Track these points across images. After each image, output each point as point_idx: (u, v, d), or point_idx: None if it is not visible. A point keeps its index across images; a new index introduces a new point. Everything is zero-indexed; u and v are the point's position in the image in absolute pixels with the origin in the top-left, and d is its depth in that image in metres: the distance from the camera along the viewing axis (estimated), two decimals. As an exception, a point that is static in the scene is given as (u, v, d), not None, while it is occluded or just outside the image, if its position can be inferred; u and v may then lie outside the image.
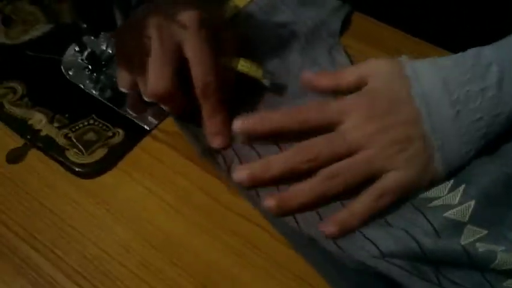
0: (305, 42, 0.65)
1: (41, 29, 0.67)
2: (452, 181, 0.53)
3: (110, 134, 0.57)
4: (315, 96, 0.59)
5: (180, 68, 0.54)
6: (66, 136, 0.57)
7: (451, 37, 0.64)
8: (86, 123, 0.58)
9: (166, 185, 0.54)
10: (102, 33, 0.62)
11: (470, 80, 0.52)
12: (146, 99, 0.56)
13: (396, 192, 0.51)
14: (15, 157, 0.56)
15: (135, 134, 0.58)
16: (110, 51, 0.63)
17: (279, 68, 0.63)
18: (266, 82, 0.59)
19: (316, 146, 0.53)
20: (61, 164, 0.56)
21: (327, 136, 0.53)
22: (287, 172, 0.52)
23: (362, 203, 0.51)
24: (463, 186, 0.52)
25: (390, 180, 0.52)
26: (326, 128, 0.54)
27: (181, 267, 0.49)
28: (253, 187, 0.53)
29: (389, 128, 0.52)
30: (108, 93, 0.61)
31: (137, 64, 0.55)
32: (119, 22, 0.60)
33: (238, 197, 0.53)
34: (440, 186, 0.53)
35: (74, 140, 0.57)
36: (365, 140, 0.52)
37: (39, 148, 0.57)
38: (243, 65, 0.58)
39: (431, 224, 0.50)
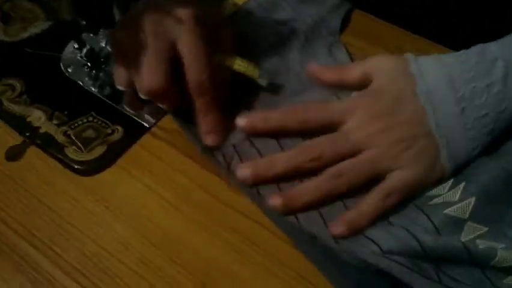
0: (305, 40, 0.65)
1: (40, 26, 0.67)
2: (452, 179, 0.53)
3: (109, 131, 0.57)
4: (315, 93, 0.59)
5: (175, 65, 0.54)
6: (65, 133, 0.57)
7: (451, 34, 0.63)
8: (85, 121, 0.58)
9: (165, 182, 0.54)
10: (101, 30, 0.62)
11: (475, 76, 0.52)
12: (142, 96, 0.56)
13: (402, 191, 0.51)
14: (14, 154, 0.56)
15: (134, 131, 0.58)
16: (109, 49, 0.62)
17: (279, 66, 0.62)
18: (262, 82, 0.59)
19: (320, 145, 0.53)
20: (60, 161, 0.56)
21: (331, 136, 0.54)
22: (290, 171, 0.52)
23: (370, 202, 0.51)
24: (463, 183, 0.52)
25: (396, 179, 0.52)
26: (328, 128, 0.54)
27: (180, 264, 0.49)
28: (255, 185, 0.53)
29: (392, 127, 0.52)
30: (107, 90, 0.60)
31: (133, 61, 0.54)
32: (118, 19, 0.60)
33: (237, 194, 0.53)
34: (441, 185, 0.53)
35: (73, 137, 0.57)
36: (368, 140, 0.52)
37: (38, 145, 0.57)
38: (240, 65, 0.58)
39: (432, 222, 0.50)
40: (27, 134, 0.57)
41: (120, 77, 0.57)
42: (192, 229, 0.51)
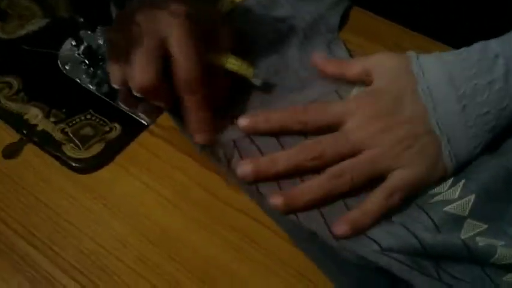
0: (303, 37, 0.65)
1: (37, 23, 0.66)
2: (452, 178, 0.53)
3: (107, 128, 0.57)
4: (315, 90, 0.59)
5: (168, 62, 0.54)
6: (62, 131, 0.57)
7: (450, 31, 0.63)
8: (83, 118, 0.58)
9: (163, 180, 0.54)
10: (99, 27, 0.62)
11: (477, 73, 0.52)
12: (135, 94, 0.55)
13: (405, 190, 0.51)
14: (11, 152, 0.56)
15: (132, 129, 0.57)
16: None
17: (278, 63, 0.62)
18: (256, 82, 0.58)
19: (321, 144, 0.53)
20: (58, 159, 0.55)
21: (331, 135, 0.54)
22: (291, 169, 0.53)
23: (373, 202, 0.51)
24: (463, 181, 0.52)
25: (399, 178, 0.52)
26: (329, 128, 0.54)
27: (179, 262, 0.49)
28: (255, 182, 0.53)
29: (393, 126, 0.52)
30: (105, 88, 0.60)
31: (126, 59, 0.54)
32: (114, 16, 0.60)
33: (236, 192, 0.53)
34: (441, 183, 0.53)
35: (71, 135, 0.56)
36: (368, 140, 0.53)
37: (35, 143, 0.56)
38: (233, 64, 0.57)
39: (431, 219, 0.50)
40: (25, 132, 0.57)
41: (115, 75, 0.57)
42: (191, 227, 0.51)
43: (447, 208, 0.50)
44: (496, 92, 0.52)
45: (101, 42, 0.62)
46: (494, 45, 0.53)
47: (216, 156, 0.54)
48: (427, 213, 0.50)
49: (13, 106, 0.59)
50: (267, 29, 0.65)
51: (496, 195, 0.51)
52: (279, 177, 0.53)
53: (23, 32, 0.66)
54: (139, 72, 0.53)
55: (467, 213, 0.50)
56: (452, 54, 0.55)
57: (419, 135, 0.52)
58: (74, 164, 0.55)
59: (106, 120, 0.58)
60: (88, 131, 0.57)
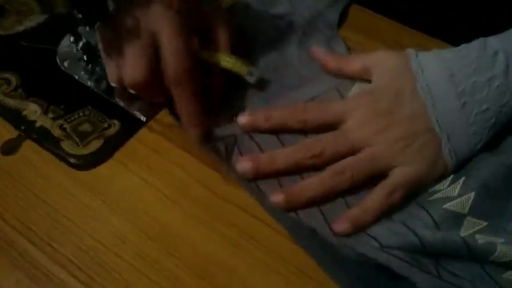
0: (302, 34, 0.65)
1: (35, 19, 0.66)
2: (452, 175, 0.53)
3: (105, 125, 0.57)
4: (314, 87, 0.59)
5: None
6: (61, 127, 0.57)
7: (449, 29, 0.64)
8: (81, 114, 0.58)
9: (162, 176, 0.54)
10: (97, 23, 0.61)
11: (476, 70, 0.52)
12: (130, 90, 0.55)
13: (405, 187, 0.51)
14: (9, 148, 0.56)
15: (131, 125, 0.57)
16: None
17: (277, 60, 0.62)
18: (250, 79, 0.58)
19: (321, 143, 0.53)
20: (56, 155, 0.55)
21: (331, 134, 0.54)
22: (291, 167, 0.53)
23: (373, 199, 0.51)
24: (463, 178, 0.52)
25: (399, 176, 0.52)
26: (329, 127, 0.54)
27: (178, 258, 0.49)
28: (255, 179, 0.53)
29: (392, 125, 0.53)
30: (103, 84, 0.60)
31: (121, 56, 0.54)
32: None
33: (235, 188, 0.53)
34: (441, 180, 0.53)
35: (70, 131, 0.56)
36: (368, 138, 0.53)
37: (34, 139, 0.56)
38: (227, 61, 0.57)
39: (431, 216, 0.50)
40: (23, 128, 0.57)
41: (111, 72, 0.56)
42: (190, 223, 0.51)
43: (447, 205, 0.50)
44: (495, 88, 0.52)
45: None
46: (493, 42, 0.53)
47: (216, 153, 0.54)
48: (427, 211, 0.50)
49: (11, 102, 0.58)
50: (267, 26, 0.65)
51: (496, 192, 0.51)
52: (279, 175, 0.53)
53: (21, 28, 0.65)
54: (130, 68, 0.53)
55: (466, 210, 0.50)
56: (452, 51, 0.55)
57: (419, 133, 0.52)
58: (72, 161, 0.54)
59: (104, 116, 0.57)
60: (86, 127, 0.57)
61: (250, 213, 0.52)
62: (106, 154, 0.55)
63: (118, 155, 0.55)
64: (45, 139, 0.56)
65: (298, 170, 0.53)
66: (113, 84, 0.57)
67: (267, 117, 0.55)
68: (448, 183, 0.52)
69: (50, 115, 0.57)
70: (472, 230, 0.50)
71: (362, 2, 0.69)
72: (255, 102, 0.58)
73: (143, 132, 0.57)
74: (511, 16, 0.59)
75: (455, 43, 0.56)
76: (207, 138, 0.55)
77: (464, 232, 0.49)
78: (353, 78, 0.58)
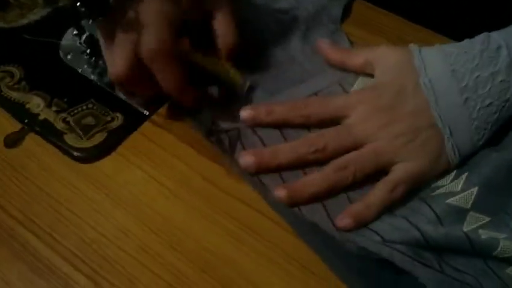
0: (306, 29, 0.65)
1: (38, 12, 0.66)
2: (455, 170, 0.53)
3: (109, 118, 0.57)
4: (318, 81, 0.59)
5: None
6: (64, 120, 0.57)
7: (452, 24, 0.63)
8: (84, 108, 0.58)
9: (165, 169, 0.54)
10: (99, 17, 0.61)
11: (479, 65, 0.52)
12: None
13: (408, 183, 0.51)
14: (13, 141, 0.56)
15: (134, 119, 0.57)
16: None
17: (281, 55, 0.62)
18: (241, 89, 0.57)
19: (323, 137, 0.53)
20: (59, 148, 0.55)
21: (334, 129, 0.54)
22: (293, 161, 0.53)
23: (376, 195, 0.51)
24: (466, 173, 0.52)
25: (401, 171, 0.52)
26: (331, 122, 0.54)
27: (180, 251, 0.49)
28: (258, 173, 0.53)
29: (395, 120, 0.53)
30: (107, 78, 0.60)
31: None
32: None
33: (238, 182, 0.53)
34: (444, 176, 0.53)
35: (73, 124, 0.56)
36: (370, 133, 0.53)
37: (37, 132, 0.56)
38: (218, 68, 0.56)
39: (434, 211, 0.50)
40: (26, 121, 0.57)
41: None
42: (192, 216, 0.51)
43: (449, 200, 0.50)
44: (498, 83, 0.52)
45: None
46: (496, 36, 0.53)
47: (220, 146, 0.54)
48: (430, 206, 0.50)
49: (15, 95, 0.58)
50: (270, 20, 0.65)
51: (499, 187, 0.51)
52: (282, 170, 0.53)
53: (24, 21, 0.65)
54: (112, 61, 0.53)
55: (469, 205, 0.50)
56: (455, 46, 0.54)
57: (422, 129, 0.52)
58: (75, 154, 0.54)
59: (108, 109, 0.57)
60: (89, 120, 0.57)
61: (252, 207, 0.52)
62: (109, 147, 0.55)
63: (121, 148, 0.55)
64: (48, 132, 0.56)
65: (301, 164, 0.53)
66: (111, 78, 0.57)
67: (269, 111, 0.55)
68: (450, 179, 0.52)
69: (54, 108, 0.57)
70: (475, 225, 0.50)
71: (365, -3, 0.70)
72: (259, 96, 0.58)
73: (146, 126, 0.57)
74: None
75: (459, 38, 0.56)
76: (211, 131, 0.55)
77: (467, 227, 0.49)
78: (355, 72, 0.59)
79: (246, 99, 0.58)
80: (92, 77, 0.60)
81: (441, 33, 0.65)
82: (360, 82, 0.58)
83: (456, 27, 0.61)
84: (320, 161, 0.53)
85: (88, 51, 0.61)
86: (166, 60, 0.52)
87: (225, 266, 0.48)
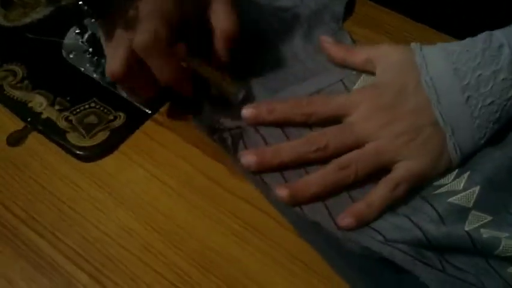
0: (308, 27, 0.65)
1: (41, 11, 0.66)
2: (457, 169, 0.53)
3: (111, 117, 0.57)
4: (320, 79, 0.59)
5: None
6: (67, 119, 0.57)
7: (454, 22, 0.63)
8: (87, 106, 0.58)
9: (167, 168, 0.54)
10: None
11: (481, 64, 0.52)
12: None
13: (409, 182, 0.51)
14: (15, 140, 0.56)
15: (136, 118, 0.57)
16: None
17: (283, 53, 0.62)
18: (235, 99, 0.57)
19: (325, 136, 0.53)
20: (62, 147, 0.55)
21: (336, 127, 0.54)
22: (295, 160, 0.53)
23: (378, 194, 0.51)
24: (468, 172, 0.52)
25: (403, 170, 0.52)
26: (333, 120, 0.54)
27: (183, 250, 0.49)
28: (260, 172, 0.53)
29: (396, 119, 0.52)
30: (109, 77, 0.60)
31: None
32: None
33: (240, 181, 0.53)
34: (446, 174, 0.53)
35: (75, 123, 0.56)
36: (372, 132, 0.53)
37: (40, 131, 0.56)
38: (215, 78, 0.56)
39: (436, 210, 0.50)
40: (29, 120, 0.57)
41: None
42: (195, 215, 0.51)
43: (451, 199, 0.50)
44: (500, 82, 0.52)
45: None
46: (499, 35, 0.53)
47: (223, 144, 0.54)
48: (431, 205, 0.50)
49: (17, 94, 0.59)
50: (272, 19, 0.65)
51: (501, 186, 0.51)
52: (283, 168, 0.53)
53: (27, 20, 0.66)
54: (109, 59, 0.53)
55: (471, 204, 0.50)
56: (457, 44, 0.54)
57: (423, 127, 0.52)
58: (78, 152, 0.55)
59: (110, 108, 0.58)
60: (92, 119, 0.57)
61: (256, 206, 0.52)
62: (112, 146, 0.55)
63: (123, 147, 0.56)
64: (51, 131, 0.56)
65: (303, 163, 0.53)
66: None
67: (270, 110, 0.55)
68: (452, 177, 0.52)
69: (56, 107, 0.57)
70: (476, 224, 0.50)
71: (367, -4, 0.69)
72: (261, 95, 0.58)
73: (148, 125, 0.57)
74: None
75: (461, 37, 0.55)
76: (213, 130, 0.55)
77: (468, 226, 0.49)
78: (356, 69, 0.59)
79: (248, 97, 0.58)
80: (95, 75, 0.60)
81: (445, 32, 0.65)
82: (363, 80, 0.58)
83: (459, 25, 0.61)
84: (321, 159, 0.53)
85: (91, 50, 0.61)
86: (161, 53, 0.52)
87: (228, 266, 0.48)
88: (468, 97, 0.52)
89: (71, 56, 0.62)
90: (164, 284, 0.47)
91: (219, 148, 0.55)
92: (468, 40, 0.54)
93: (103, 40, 0.54)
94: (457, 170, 0.53)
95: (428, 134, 0.52)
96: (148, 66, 0.52)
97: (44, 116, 0.57)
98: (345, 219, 0.50)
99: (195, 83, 0.56)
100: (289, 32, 0.64)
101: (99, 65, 0.61)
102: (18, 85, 0.59)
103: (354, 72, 0.59)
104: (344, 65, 0.60)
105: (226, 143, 0.55)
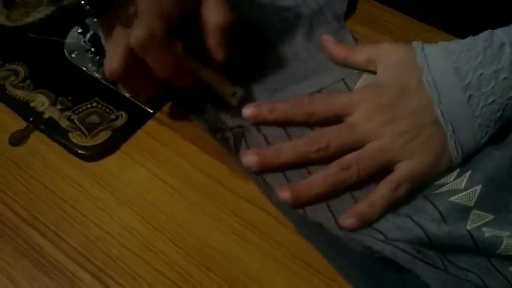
0: (309, 26, 0.65)
1: (43, 11, 0.66)
2: (458, 168, 0.53)
3: (113, 116, 0.57)
4: (322, 78, 0.59)
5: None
6: (69, 118, 0.57)
7: (456, 21, 0.63)
8: (89, 106, 0.58)
9: (169, 167, 0.54)
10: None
11: (483, 63, 0.52)
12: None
13: (411, 181, 0.51)
14: (18, 139, 0.56)
15: (138, 117, 0.57)
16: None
17: (285, 52, 0.62)
18: (233, 101, 0.57)
19: (326, 136, 0.53)
20: (64, 146, 0.55)
21: (337, 127, 0.54)
22: (296, 160, 0.53)
23: (380, 194, 0.51)
24: (469, 172, 0.52)
25: (405, 169, 0.52)
26: (334, 120, 0.54)
27: (184, 249, 0.49)
28: (261, 172, 0.53)
29: (397, 118, 0.52)
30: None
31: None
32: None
33: (242, 180, 0.53)
34: (448, 174, 0.53)
35: (77, 123, 0.56)
36: (373, 131, 0.53)
37: (42, 131, 0.56)
38: (212, 79, 0.56)
39: (437, 209, 0.50)
40: (31, 119, 0.57)
41: None
42: (196, 214, 0.51)
43: (453, 198, 0.50)
44: (502, 81, 0.51)
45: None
46: (500, 34, 0.53)
47: (225, 144, 0.54)
48: (433, 204, 0.50)
49: (20, 94, 0.59)
50: (274, 18, 0.65)
51: (502, 186, 0.51)
52: (285, 169, 0.53)
53: (29, 19, 0.66)
54: (107, 57, 0.53)
55: (473, 203, 0.50)
56: (458, 43, 0.54)
57: (424, 126, 0.52)
58: (80, 152, 0.55)
59: (112, 108, 0.58)
60: (94, 118, 0.57)
61: (257, 205, 0.52)
62: (114, 145, 0.55)
63: (125, 146, 0.56)
64: (53, 130, 0.56)
65: (304, 163, 0.53)
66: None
67: (271, 109, 0.55)
68: (454, 177, 0.52)
69: (58, 106, 0.58)
70: (478, 223, 0.49)
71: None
72: (262, 94, 0.58)
73: (150, 124, 0.57)
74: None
75: (464, 36, 0.55)
76: (216, 129, 0.55)
77: (470, 225, 0.49)
78: (357, 68, 0.59)
79: (249, 96, 0.58)
80: (97, 75, 0.60)
81: (447, 31, 0.65)
82: (364, 79, 0.58)
83: (460, 24, 0.61)
84: (323, 159, 0.53)
85: (93, 49, 0.62)
86: (158, 49, 0.51)
87: (229, 264, 0.48)
88: (469, 96, 0.52)
89: (73, 55, 0.62)
90: (165, 283, 0.47)
91: (221, 147, 0.55)
92: (469, 39, 0.54)
93: (102, 38, 0.54)
94: (458, 169, 0.53)
95: (430, 133, 0.52)
96: (148, 65, 0.52)
97: (46, 115, 0.57)
98: (348, 220, 0.50)
99: (196, 82, 0.56)
100: (291, 31, 0.64)
101: (101, 65, 0.61)
102: (20, 85, 0.59)
103: (355, 72, 0.59)
104: (345, 64, 0.60)
105: (229, 142, 0.55)
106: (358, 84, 0.58)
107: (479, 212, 0.50)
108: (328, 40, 0.61)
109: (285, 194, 0.51)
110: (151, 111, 0.58)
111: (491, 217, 0.50)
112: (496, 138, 0.54)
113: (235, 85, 0.57)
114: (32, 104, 0.58)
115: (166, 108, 0.58)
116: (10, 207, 0.51)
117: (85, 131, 0.56)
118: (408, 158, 0.52)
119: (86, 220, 0.51)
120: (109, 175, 0.54)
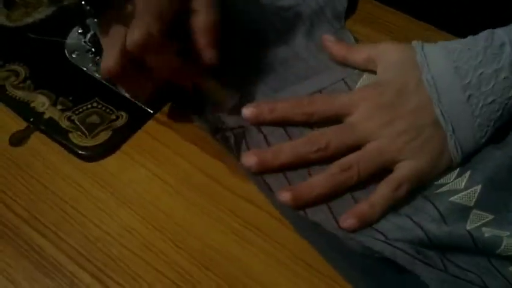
0: (310, 25, 0.65)
1: (43, 11, 0.66)
2: (458, 168, 0.53)
3: (113, 117, 0.57)
4: (322, 78, 0.59)
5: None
6: (69, 119, 0.57)
7: (456, 20, 0.63)
8: (89, 106, 0.58)
9: (169, 168, 0.54)
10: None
11: (483, 62, 0.52)
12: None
13: (412, 181, 0.51)
14: (18, 140, 0.56)
15: (139, 117, 0.57)
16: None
17: (286, 52, 0.62)
18: (226, 104, 0.57)
19: (326, 136, 0.53)
20: (64, 146, 0.55)
21: (337, 127, 0.54)
22: (296, 161, 0.53)
23: (380, 194, 0.51)
24: (469, 171, 0.52)
25: (405, 169, 0.52)
26: (334, 120, 0.54)
27: (184, 249, 0.49)
28: (261, 173, 0.53)
29: (397, 118, 0.52)
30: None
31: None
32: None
33: (242, 180, 0.53)
34: (448, 174, 0.53)
35: (78, 123, 0.56)
36: (373, 132, 0.53)
37: (42, 131, 0.56)
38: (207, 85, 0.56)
39: (437, 209, 0.50)
40: (31, 120, 0.57)
41: None
42: (196, 214, 0.51)
43: (453, 198, 0.50)
44: (502, 81, 0.51)
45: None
46: (501, 33, 0.53)
47: (226, 144, 0.54)
48: (433, 204, 0.50)
49: (20, 94, 0.59)
50: (274, 18, 0.65)
51: (502, 185, 0.51)
52: (285, 169, 0.53)
53: (29, 20, 0.66)
54: (104, 57, 0.52)
55: (473, 203, 0.50)
56: (458, 42, 0.54)
57: (424, 126, 0.52)
58: (80, 152, 0.55)
59: (112, 108, 0.58)
60: (94, 119, 0.57)
61: (256, 205, 0.52)
62: (114, 146, 0.55)
63: (125, 146, 0.56)
64: (53, 131, 0.56)
65: (304, 164, 0.53)
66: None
67: (271, 109, 0.55)
68: (454, 177, 0.52)
69: (59, 107, 0.58)
70: (478, 223, 0.49)
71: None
72: (263, 94, 0.58)
73: (150, 124, 0.57)
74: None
75: (463, 35, 0.55)
76: (216, 129, 0.55)
77: (470, 225, 0.49)
78: (357, 68, 0.59)
79: (250, 95, 0.58)
80: (97, 75, 0.60)
81: (447, 31, 0.65)
82: (365, 79, 0.58)
83: (460, 24, 0.61)
84: (322, 159, 0.52)
85: (93, 49, 0.62)
86: (154, 50, 0.51)
87: (229, 264, 0.48)
88: (469, 96, 0.52)
89: (73, 55, 0.62)
90: (165, 283, 0.47)
91: (221, 147, 0.55)
92: (469, 38, 0.54)
93: (100, 38, 0.54)
94: (458, 169, 0.53)
95: (429, 133, 0.52)
96: (146, 65, 0.52)
97: (46, 116, 0.57)
98: (348, 220, 0.50)
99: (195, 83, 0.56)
100: (291, 31, 0.64)
101: (101, 65, 0.61)
102: (21, 85, 0.59)
103: (356, 71, 0.59)
104: (345, 64, 0.60)
105: (229, 142, 0.54)
106: (359, 84, 0.58)
107: (479, 212, 0.50)
108: (328, 39, 0.61)
109: (285, 196, 0.51)
110: (151, 112, 0.58)
111: (491, 217, 0.50)
112: (496, 138, 0.54)
113: (234, 87, 0.57)
114: (32, 105, 0.58)
115: (166, 108, 0.58)
116: (10, 208, 0.51)
117: (85, 131, 0.56)
118: (408, 158, 0.52)
119: (86, 220, 0.51)
120: (109, 175, 0.54)
